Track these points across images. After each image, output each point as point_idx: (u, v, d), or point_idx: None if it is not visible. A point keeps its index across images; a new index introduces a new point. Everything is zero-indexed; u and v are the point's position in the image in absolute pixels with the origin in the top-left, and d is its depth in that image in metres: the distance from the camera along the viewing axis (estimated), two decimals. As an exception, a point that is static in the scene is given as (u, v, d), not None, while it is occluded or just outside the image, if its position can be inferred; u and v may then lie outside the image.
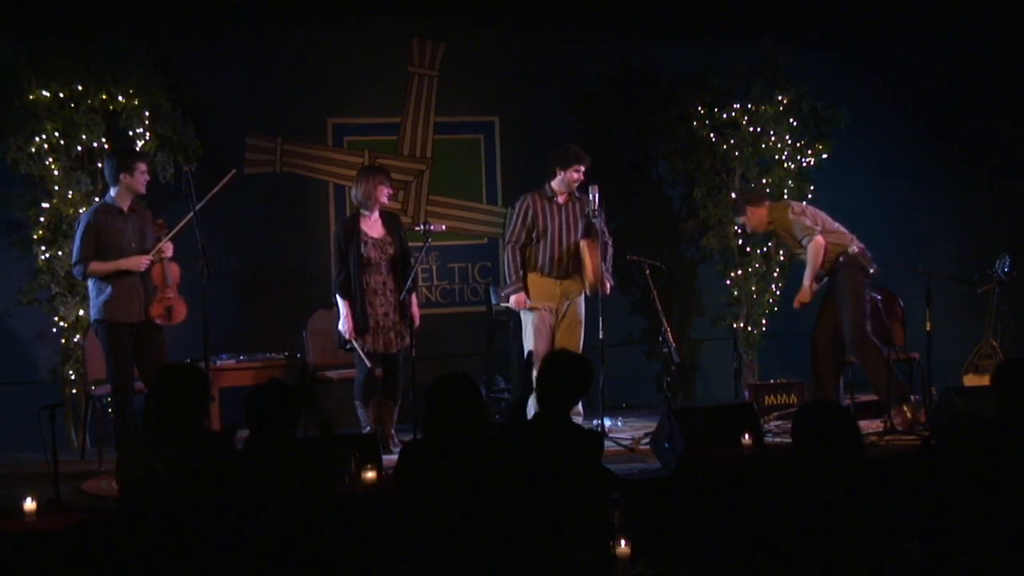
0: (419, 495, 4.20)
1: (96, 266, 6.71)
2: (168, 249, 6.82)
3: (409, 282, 7.01)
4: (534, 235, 7.30)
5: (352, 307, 7.05)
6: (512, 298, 7.33)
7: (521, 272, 7.30)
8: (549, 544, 4.21)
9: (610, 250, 7.34)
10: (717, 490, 5.60)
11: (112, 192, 6.82)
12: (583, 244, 7.27)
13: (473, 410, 4.29)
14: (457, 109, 8.71)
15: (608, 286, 7.24)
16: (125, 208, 6.82)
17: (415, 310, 7.16)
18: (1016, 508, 4.02)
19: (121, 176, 6.76)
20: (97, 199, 7.54)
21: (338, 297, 7.12)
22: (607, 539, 4.46)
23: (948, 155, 9.55)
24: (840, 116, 8.74)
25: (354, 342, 7.07)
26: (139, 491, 4.38)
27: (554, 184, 7.33)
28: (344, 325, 7.09)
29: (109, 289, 6.71)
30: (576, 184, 7.29)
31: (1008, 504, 4.03)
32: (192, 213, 6.69)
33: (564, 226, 7.31)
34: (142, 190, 6.85)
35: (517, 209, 7.38)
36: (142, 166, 6.85)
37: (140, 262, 6.74)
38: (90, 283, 6.82)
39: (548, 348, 7.22)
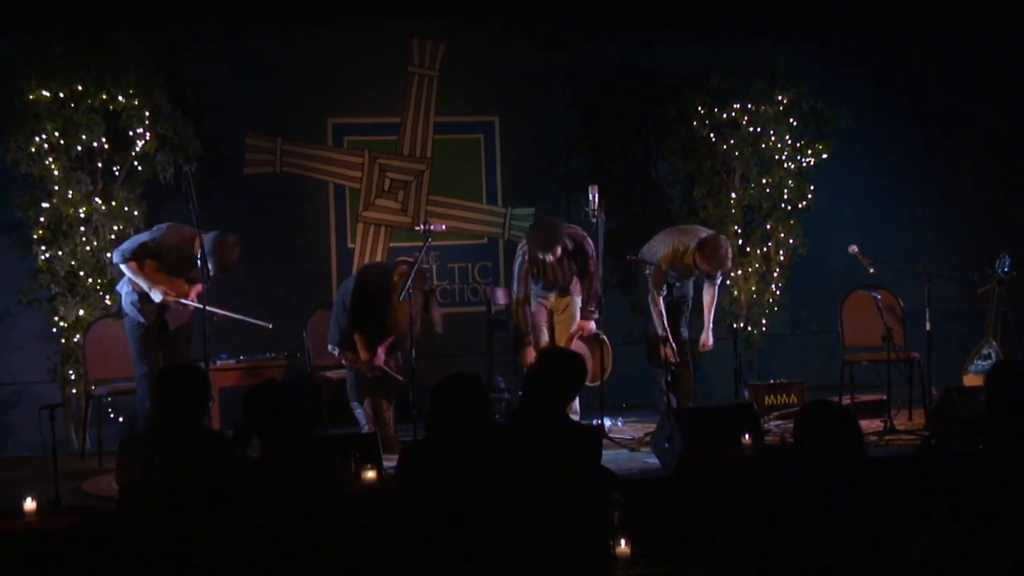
0: (419, 496, 4.20)
1: (134, 267, 6.73)
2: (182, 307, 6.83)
3: (409, 283, 6.94)
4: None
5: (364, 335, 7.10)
6: (524, 352, 7.28)
7: (530, 326, 7.27)
8: (549, 544, 4.21)
9: (596, 282, 7.33)
10: (717, 490, 5.60)
11: (204, 240, 6.63)
12: (567, 336, 7.30)
13: (478, 411, 4.29)
14: (457, 109, 8.71)
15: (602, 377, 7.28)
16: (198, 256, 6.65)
17: (436, 315, 7.18)
18: (1013, 509, 4.03)
19: (205, 250, 6.59)
20: (97, 199, 7.54)
21: (355, 335, 7.12)
22: (607, 539, 4.46)
23: (948, 155, 9.55)
24: (840, 116, 8.74)
25: (385, 368, 7.14)
26: (139, 491, 4.38)
27: None
28: (363, 356, 7.11)
29: (134, 292, 6.79)
30: (554, 257, 7.16)
31: (1005, 504, 4.03)
32: (222, 312, 6.83)
33: (557, 271, 7.29)
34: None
35: (516, 268, 7.32)
36: (216, 272, 6.69)
37: (156, 294, 6.74)
38: (125, 275, 6.85)
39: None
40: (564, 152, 8.80)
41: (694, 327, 7.86)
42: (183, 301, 6.77)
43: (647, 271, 7.42)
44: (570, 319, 7.35)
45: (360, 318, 7.12)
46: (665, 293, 7.59)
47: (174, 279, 6.79)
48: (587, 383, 7.03)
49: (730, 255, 7.51)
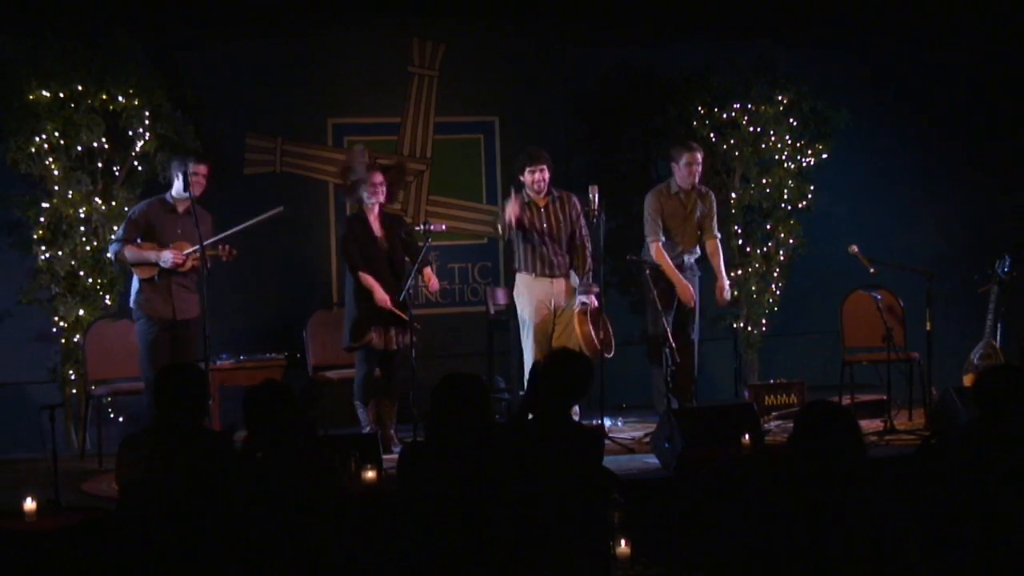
0: (419, 496, 4.20)
1: (129, 248, 6.78)
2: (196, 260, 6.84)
3: (410, 282, 6.99)
4: (522, 234, 7.30)
5: (359, 296, 7.05)
6: (508, 209, 7.22)
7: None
8: (549, 544, 4.21)
9: (588, 255, 7.36)
10: (717, 490, 5.60)
11: (172, 190, 6.90)
12: (575, 314, 7.25)
13: (477, 411, 4.30)
14: (457, 109, 8.71)
15: (609, 350, 7.26)
16: (181, 209, 6.86)
17: (432, 281, 7.22)
18: (1013, 509, 4.03)
19: (171, 175, 6.84)
20: (97, 199, 7.56)
21: (363, 276, 7.06)
22: (607, 539, 4.46)
23: (948, 155, 9.55)
24: (840, 116, 8.74)
25: (352, 343, 7.08)
26: (139, 491, 4.38)
27: (526, 190, 7.34)
28: (381, 296, 7.05)
29: (140, 281, 6.82)
30: (541, 184, 7.26)
31: (1004, 504, 4.03)
32: (227, 233, 6.80)
33: (548, 228, 7.31)
34: (182, 192, 6.82)
35: (503, 205, 7.40)
36: (196, 168, 6.84)
37: (165, 256, 6.75)
38: (134, 274, 6.91)
39: (546, 349, 7.22)
40: (564, 152, 8.79)
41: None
42: (188, 251, 6.80)
43: (647, 271, 7.42)
44: (569, 327, 7.30)
45: (353, 252, 7.08)
46: (664, 240, 7.65)
47: (175, 245, 6.84)
48: (598, 355, 7.10)
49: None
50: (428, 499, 4.15)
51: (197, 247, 6.73)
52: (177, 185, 6.86)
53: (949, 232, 9.46)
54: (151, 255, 6.79)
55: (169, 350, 6.88)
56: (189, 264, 6.83)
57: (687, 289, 7.59)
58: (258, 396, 4.35)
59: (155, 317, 6.82)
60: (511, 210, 7.18)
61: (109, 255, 7.11)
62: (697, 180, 7.71)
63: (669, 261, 7.62)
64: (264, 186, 8.32)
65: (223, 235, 6.87)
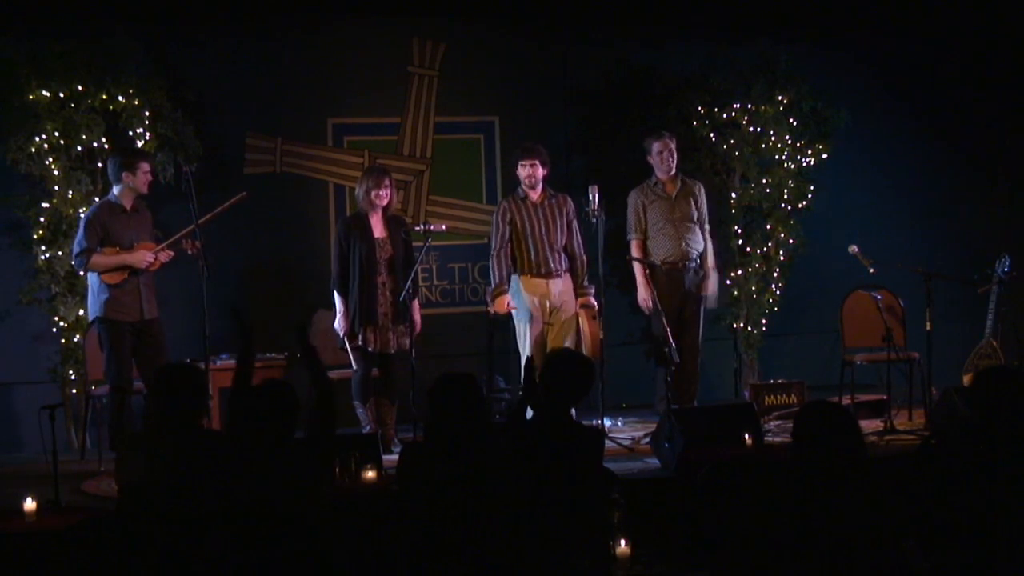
0: (419, 496, 4.20)
1: (98, 259, 6.72)
2: (165, 256, 6.84)
3: (409, 283, 7.03)
4: (516, 237, 7.32)
5: (348, 304, 7.07)
6: (495, 302, 7.32)
7: (506, 275, 7.31)
8: (549, 544, 4.21)
9: (581, 255, 7.39)
10: (717, 490, 5.60)
11: (115, 190, 6.86)
12: (580, 313, 7.29)
13: (474, 411, 4.30)
14: (457, 109, 8.71)
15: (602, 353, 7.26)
16: (128, 207, 6.85)
17: (416, 316, 7.17)
18: (1013, 509, 4.03)
19: (123, 175, 6.79)
20: (98, 199, 7.56)
21: (335, 294, 7.15)
22: (607, 539, 4.47)
23: (948, 155, 9.55)
24: (840, 116, 8.74)
25: (347, 343, 7.12)
26: (139, 491, 4.39)
27: (521, 186, 7.35)
28: (339, 324, 7.13)
29: (108, 287, 6.73)
30: (533, 180, 7.28)
31: (1002, 503, 4.03)
32: (194, 224, 6.74)
33: (542, 225, 7.31)
34: (144, 190, 6.87)
35: (496, 217, 7.44)
36: (145, 166, 6.87)
37: (143, 257, 6.75)
38: (91, 280, 6.84)
39: (541, 351, 7.22)
40: (564, 152, 8.80)
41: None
42: (161, 247, 6.80)
43: (647, 271, 7.41)
44: (566, 326, 7.31)
45: (347, 260, 7.09)
46: (656, 238, 7.60)
47: (141, 245, 6.82)
48: (599, 356, 7.11)
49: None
50: (428, 499, 4.15)
51: (169, 244, 6.78)
52: (125, 181, 6.78)
53: (949, 231, 9.45)
54: (127, 258, 6.73)
55: (136, 352, 6.84)
56: (158, 263, 6.84)
57: (645, 289, 7.46)
58: (256, 397, 4.35)
59: (125, 320, 6.76)
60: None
61: (78, 270, 7.01)
62: (673, 167, 7.67)
63: (641, 259, 7.55)
64: (264, 186, 8.32)
65: (191, 227, 6.78)
